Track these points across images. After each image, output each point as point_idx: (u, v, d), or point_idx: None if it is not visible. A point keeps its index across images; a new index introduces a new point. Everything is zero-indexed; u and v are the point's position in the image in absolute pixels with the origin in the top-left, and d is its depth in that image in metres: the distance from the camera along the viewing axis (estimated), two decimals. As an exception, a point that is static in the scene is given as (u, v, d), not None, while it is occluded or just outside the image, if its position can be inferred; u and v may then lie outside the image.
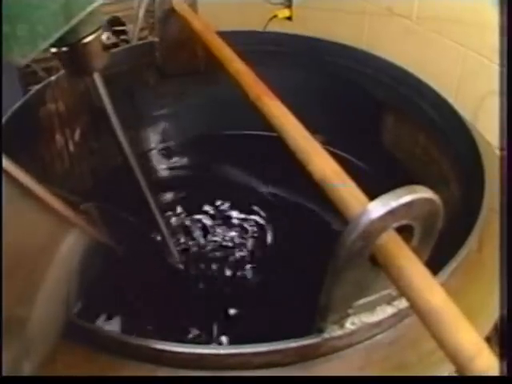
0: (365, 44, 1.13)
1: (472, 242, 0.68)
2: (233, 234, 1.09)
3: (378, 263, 0.47)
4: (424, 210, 0.45)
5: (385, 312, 0.57)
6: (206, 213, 1.13)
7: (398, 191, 0.44)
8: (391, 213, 0.43)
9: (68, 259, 0.47)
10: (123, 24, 1.82)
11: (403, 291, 0.44)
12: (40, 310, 0.44)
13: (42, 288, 0.44)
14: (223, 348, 0.55)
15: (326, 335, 0.55)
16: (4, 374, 0.42)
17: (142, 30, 1.70)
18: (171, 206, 1.13)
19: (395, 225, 0.45)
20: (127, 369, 0.56)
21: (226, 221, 1.12)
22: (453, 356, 0.41)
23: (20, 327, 0.42)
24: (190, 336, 0.85)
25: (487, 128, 0.93)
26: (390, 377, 0.57)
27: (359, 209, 0.47)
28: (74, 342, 0.58)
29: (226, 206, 1.15)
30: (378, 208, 0.43)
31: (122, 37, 1.80)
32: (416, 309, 0.43)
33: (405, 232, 0.47)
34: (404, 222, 0.45)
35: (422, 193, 0.44)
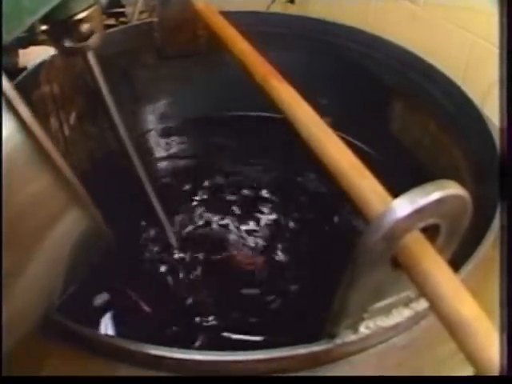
0: (369, 29, 1.09)
1: (490, 238, 0.64)
2: (235, 218, 1.05)
3: (399, 266, 0.42)
4: (453, 207, 0.40)
5: (402, 315, 0.53)
6: (206, 196, 1.10)
7: (426, 187, 0.39)
8: (418, 211, 0.38)
9: (63, 240, 0.43)
10: (122, 6, 1.79)
11: (429, 298, 0.40)
12: (24, 288, 0.41)
13: (32, 263, 0.40)
14: (226, 354, 0.50)
15: (338, 341, 0.51)
16: None
17: (141, 12, 1.66)
18: (169, 189, 1.10)
19: (421, 224, 0.40)
20: (120, 374, 0.52)
21: (227, 204, 1.09)
22: (484, 374, 0.36)
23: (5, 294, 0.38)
24: (190, 338, 0.81)
25: (494, 116, 0.90)
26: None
27: (382, 207, 0.42)
28: (62, 345, 0.54)
29: (227, 188, 1.12)
30: (403, 206, 0.38)
31: (121, 19, 1.76)
32: (443, 319, 0.39)
33: (430, 231, 0.42)
34: (431, 221, 0.41)
35: (452, 189, 0.39)
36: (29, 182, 0.37)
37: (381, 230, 0.38)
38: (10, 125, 0.35)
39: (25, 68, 0.95)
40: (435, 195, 0.38)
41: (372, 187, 0.47)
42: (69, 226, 0.42)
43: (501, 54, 0.60)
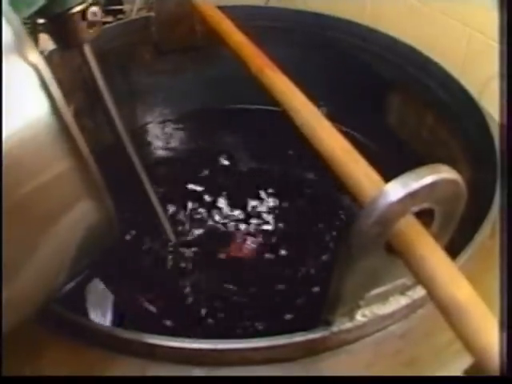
0: (367, 23, 1.09)
1: (487, 227, 0.64)
2: (231, 211, 1.06)
3: (394, 251, 0.42)
4: (447, 192, 0.40)
5: (398, 303, 0.53)
6: (203, 189, 1.10)
7: (419, 171, 0.39)
8: (412, 195, 0.38)
9: (73, 228, 0.42)
10: (121, 3, 1.78)
11: (424, 283, 0.40)
12: (30, 270, 0.40)
13: (41, 245, 0.40)
14: (222, 342, 0.50)
15: (334, 328, 0.51)
16: None
17: (140, 10, 1.66)
18: (167, 183, 1.10)
19: (415, 209, 0.40)
20: (118, 365, 0.52)
21: (224, 197, 1.09)
22: (479, 357, 0.36)
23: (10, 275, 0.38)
24: (184, 327, 0.81)
25: (492, 109, 0.90)
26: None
27: (374, 191, 0.42)
28: (60, 336, 0.54)
29: (225, 181, 1.13)
30: (396, 190, 0.38)
31: (119, 16, 1.76)
32: (438, 303, 0.39)
33: (424, 216, 0.42)
34: (425, 205, 0.41)
35: (446, 173, 0.39)
36: (51, 163, 0.37)
37: (374, 213, 0.38)
38: (42, 104, 0.35)
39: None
40: (428, 179, 0.38)
41: (365, 172, 0.47)
42: (81, 215, 0.42)
43: (501, 52, 0.60)
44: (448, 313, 0.38)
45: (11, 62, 0.35)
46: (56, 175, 0.37)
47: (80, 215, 0.41)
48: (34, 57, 0.35)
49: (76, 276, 0.49)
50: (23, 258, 0.39)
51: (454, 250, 0.58)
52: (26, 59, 0.35)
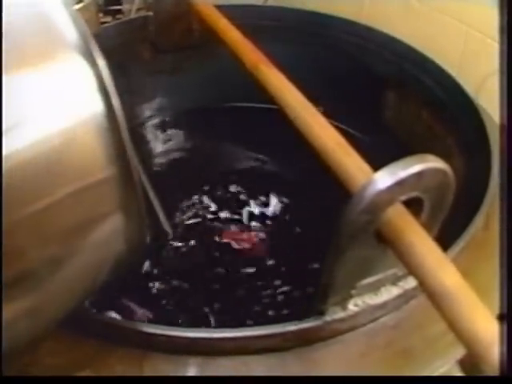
0: (365, 22, 1.09)
1: (480, 219, 0.65)
2: (229, 208, 1.07)
3: (384, 240, 0.43)
4: (435, 181, 0.41)
5: (390, 293, 0.54)
6: (201, 186, 1.12)
7: (407, 160, 0.40)
8: (399, 184, 0.39)
9: (104, 243, 0.41)
10: (119, 3, 1.78)
11: (413, 270, 0.40)
12: (62, 278, 0.39)
13: (73, 257, 0.39)
14: (216, 331, 0.51)
15: (327, 318, 0.51)
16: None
17: (138, 10, 1.66)
18: (165, 179, 1.10)
19: (403, 197, 0.41)
20: (115, 355, 0.53)
21: (221, 194, 1.10)
22: (468, 343, 0.37)
23: (35, 284, 0.37)
24: (181, 318, 0.82)
25: (489, 107, 0.90)
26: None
27: (364, 181, 0.43)
28: (57, 326, 0.54)
29: (223, 179, 1.13)
30: (385, 178, 0.39)
31: (118, 16, 1.76)
32: (428, 290, 0.39)
33: (413, 206, 0.43)
34: (413, 194, 0.41)
35: (433, 162, 0.40)
36: (97, 168, 0.36)
37: (363, 202, 0.39)
38: (96, 107, 0.36)
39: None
40: (416, 168, 0.39)
41: (356, 164, 0.48)
42: (115, 227, 0.40)
43: (501, 52, 0.60)
44: (436, 298, 0.39)
45: (73, 62, 0.35)
46: (98, 181, 0.37)
47: (114, 228, 0.40)
48: (98, 58, 0.35)
49: (100, 287, 0.48)
50: (49, 268, 0.38)
51: (447, 243, 0.59)
52: (89, 60, 0.35)
